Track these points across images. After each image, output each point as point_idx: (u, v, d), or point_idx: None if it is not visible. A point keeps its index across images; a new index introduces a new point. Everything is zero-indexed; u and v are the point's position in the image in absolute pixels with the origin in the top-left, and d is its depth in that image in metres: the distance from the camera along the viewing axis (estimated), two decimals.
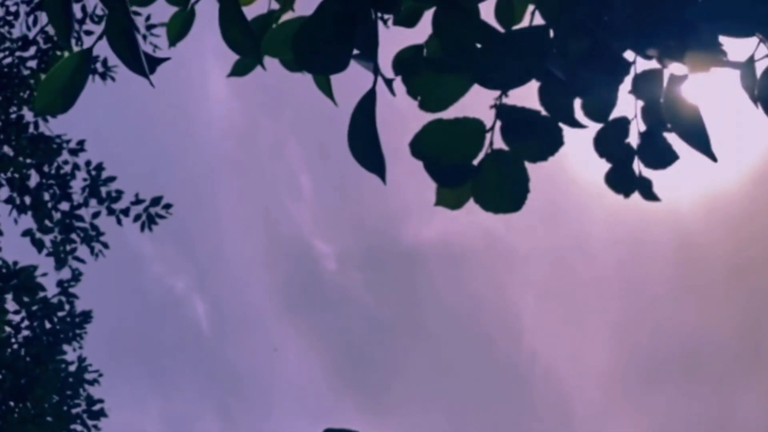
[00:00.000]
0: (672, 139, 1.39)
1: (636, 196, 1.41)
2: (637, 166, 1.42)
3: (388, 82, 1.11)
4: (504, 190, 1.29)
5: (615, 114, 1.41)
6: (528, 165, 1.29)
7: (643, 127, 1.40)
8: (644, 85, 1.37)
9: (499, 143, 1.29)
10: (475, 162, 1.29)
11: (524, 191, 1.29)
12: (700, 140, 1.27)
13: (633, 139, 1.41)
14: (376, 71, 1.09)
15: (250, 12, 1.59)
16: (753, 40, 1.16)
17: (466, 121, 1.28)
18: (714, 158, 1.26)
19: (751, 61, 1.16)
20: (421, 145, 1.27)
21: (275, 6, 1.58)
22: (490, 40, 1.18)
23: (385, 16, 1.22)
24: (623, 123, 1.40)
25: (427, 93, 1.27)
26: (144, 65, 1.13)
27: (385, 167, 1.10)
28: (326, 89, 1.41)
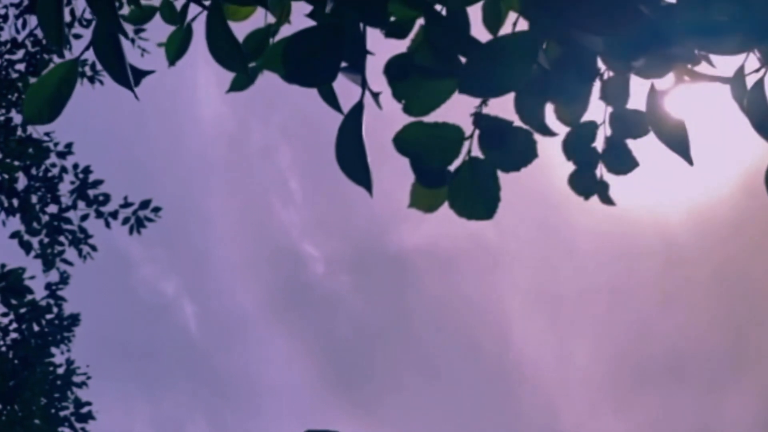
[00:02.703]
0: (635, 145, 1.43)
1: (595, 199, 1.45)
2: (600, 170, 1.46)
3: (375, 96, 1.13)
4: (477, 198, 1.31)
5: (586, 118, 1.44)
6: (518, 172, 1.32)
7: (609, 133, 1.44)
8: (611, 91, 1.41)
9: (477, 151, 1.32)
10: (453, 167, 1.32)
11: (496, 200, 1.31)
12: (679, 143, 1.29)
13: (600, 144, 1.45)
14: (364, 84, 1.11)
15: (248, 26, 1.61)
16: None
17: (445, 127, 1.30)
18: (690, 162, 1.28)
19: (741, 72, 1.17)
20: (404, 143, 1.29)
21: (272, 20, 1.60)
22: (476, 49, 1.20)
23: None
24: (591, 127, 1.44)
25: (412, 97, 1.29)
26: (129, 77, 1.14)
27: (372, 179, 1.12)
28: (332, 101, 1.40)
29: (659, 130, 1.28)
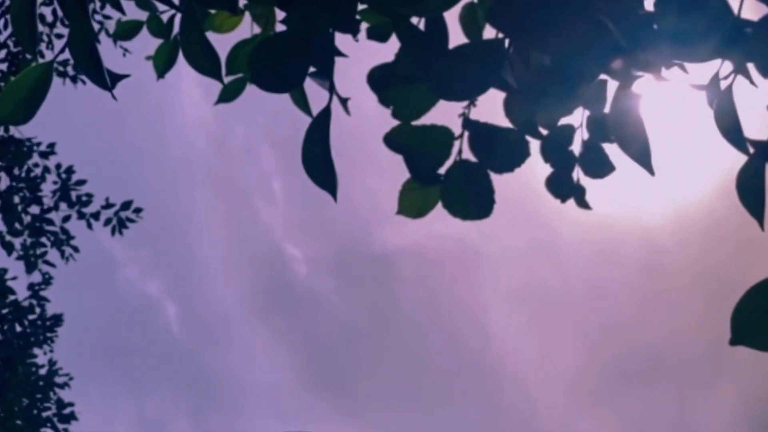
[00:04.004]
0: (612, 149, 1.45)
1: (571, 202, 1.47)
2: (577, 173, 1.48)
3: (343, 102, 1.14)
4: (471, 198, 1.32)
5: (564, 121, 1.45)
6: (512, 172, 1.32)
7: (587, 136, 1.46)
8: (589, 95, 1.42)
9: (467, 152, 1.32)
10: (444, 169, 1.32)
11: (490, 200, 1.32)
12: (640, 153, 1.28)
13: (577, 148, 1.47)
14: (332, 89, 1.12)
15: (234, 37, 1.62)
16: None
17: (434, 128, 1.31)
18: (652, 172, 1.27)
19: (716, 78, 1.18)
20: (393, 144, 1.30)
21: (257, 30, 1.60)
22: (444, 52, 1.21)
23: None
24: (568, 131, 1.46)
25: (399, 104, 1.30)
26: (106, 77, 1.15)
27: (337, 185, 1.12)
28: (302, 104, 1.42)
29: (620, 135, 1.29)
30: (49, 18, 7.16)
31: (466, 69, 1.17)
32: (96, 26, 6.89)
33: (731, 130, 1.13)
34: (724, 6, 1.07)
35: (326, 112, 1.11)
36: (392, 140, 1.30)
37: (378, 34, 1.34)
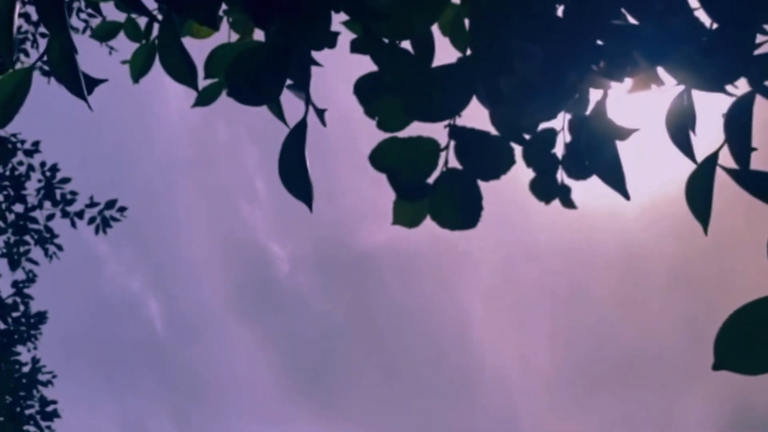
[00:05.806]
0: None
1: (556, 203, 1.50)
2: (560, 175, 1.51)
3: (320, 113, 1.13)
4: (459, 209, 1.32)
5: (545, 125, 1.49)
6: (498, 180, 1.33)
7: (569, 138, 1.49)
8: (571, 99, 1.46)
9: (454, 162, 1.33)
10: (431, 179, 1.33)
11: (478, 209, 1.32)
12: (615, 179, 1.31)
13: (560, 150, 1.51)
14: (308, 101, 1.11)
15: (210, 44, 1.63)
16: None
17: (420, 140, 1.31)
18: (627, 197, 1.30)
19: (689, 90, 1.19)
20: (379, 160, 1.31)
21: (235, 38, 1.59)
22: (419, 75, 1.22)
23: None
24: (551, 134, 1.49)
25: (384, 114, 1.30)
26: (83, 88, 1.15)
27: (313, 196, 1.11)
28: (278, 113, 1.41)
29: (594, 162, 1.31)
30: (34, 17, 7.17)
31: (442, 92, 1.18)
32: (81, 24, 6.90)
33: (680, 136, 1.16)
34: (691, 19, 1.11)
35: (302, 125, 1.10)
36: (377, 158, 1.30)
37: (361, 48, 1.33)
